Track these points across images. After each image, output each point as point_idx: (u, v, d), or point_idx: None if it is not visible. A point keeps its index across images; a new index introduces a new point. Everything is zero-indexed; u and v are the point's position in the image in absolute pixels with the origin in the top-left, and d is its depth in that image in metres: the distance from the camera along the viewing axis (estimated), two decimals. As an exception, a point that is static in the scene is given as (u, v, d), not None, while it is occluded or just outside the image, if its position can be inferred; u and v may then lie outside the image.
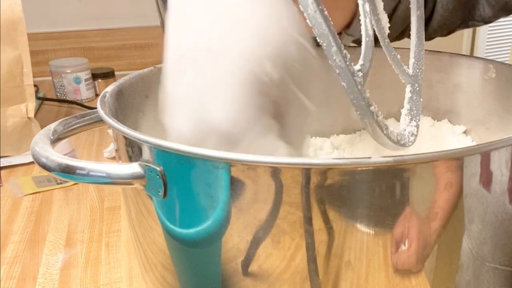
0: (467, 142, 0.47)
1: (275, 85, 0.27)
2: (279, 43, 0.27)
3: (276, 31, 0.27)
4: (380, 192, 0.27)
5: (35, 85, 0.91)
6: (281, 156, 0.26)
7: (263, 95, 0.27)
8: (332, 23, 0.25)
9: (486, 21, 0.53)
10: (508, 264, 0.32)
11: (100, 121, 0.39)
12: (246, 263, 0.30)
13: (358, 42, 0.47)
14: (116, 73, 1.13)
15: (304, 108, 0.29)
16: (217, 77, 0.27)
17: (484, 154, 0.28)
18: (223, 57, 0.27)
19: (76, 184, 0.68)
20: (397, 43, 0.43)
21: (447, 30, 0.54)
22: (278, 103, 0.28)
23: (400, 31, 0.52)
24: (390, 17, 0.51)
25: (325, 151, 0.49)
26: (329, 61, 0.26)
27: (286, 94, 0.28)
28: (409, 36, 0.37)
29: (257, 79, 0.27)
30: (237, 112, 0.27)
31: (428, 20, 0.53)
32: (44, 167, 0.32)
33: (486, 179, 0.28)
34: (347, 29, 0.52)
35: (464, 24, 0.53)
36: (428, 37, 0.54)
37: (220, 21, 0.28)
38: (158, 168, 0.29)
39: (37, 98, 0.99)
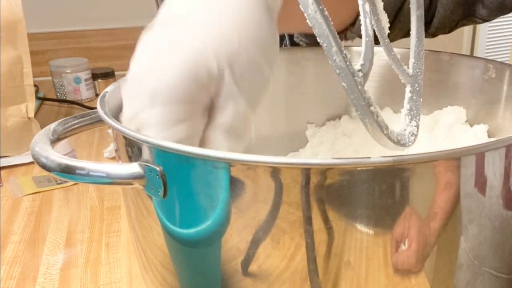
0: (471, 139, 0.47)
1: (213, 79, 0.30)
2: (232, 49, 0.31)
3: (234, 39, 0.31)
4: (380, 192, 0.27)
5: (35, 85, 0.91)
6: (280, 157, 0.26)
7: (200, 84, 0.30)
8: (332, 23, 0.25)
9: (485, 19, 0.53)
10: (504, 272, 0.32)
11: (100, 121, 0.39)
12: (246, 263, 0.30)
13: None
14: (116, 73, 1.13)
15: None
16: (167, 61, 0.31)
17: (483, 154, 0.28)
18: (178, 46, 0.31)
19: (76, 184, 0.68)
20: (396, 43, 0.43)
21: (449, 27, 0.54)
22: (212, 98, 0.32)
23: (406, 30, 0.52)
24: (396, 15, 0.51)
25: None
26: (329, 61, 0.26)
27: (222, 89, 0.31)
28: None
29: (199, 67, 0.30)
30: (174, 83, 0.30)
31: (430, 20, 0.53)
32: (44, 167, 0.32)
33: (484, 179, 0.28)
34: (352, 27, 0.52)
35: (465, 20, 0.54)
36: (432, 35, 0.55)
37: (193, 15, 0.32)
38: (157, 168, 0.29)
39: (37, 98, 0.99)
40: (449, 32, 0.55)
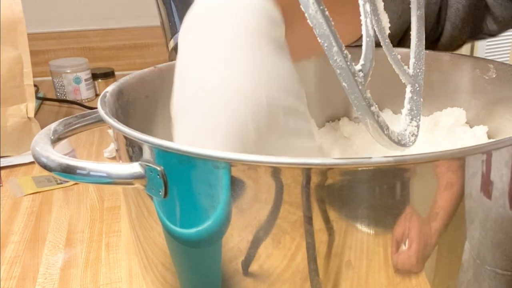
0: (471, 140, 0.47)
1: (253, 142, 0.31)
2: (262, 105, 0.31)
3: (262, 93, 0.31)
4: (381, 192, 0.27)
5: (35, 85, 0.91)
6: (280, 156, 0.26)
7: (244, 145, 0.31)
8: (333, 23, 0.25)
9: (494, 34, 0.53)
10: (508, 269, 0.32)
11: (100, 121, 0.39)
12: (247, 263, 0.30)
13: None
14: (116, 73, 1.13)
15: None
16: (209, 125, 0.31)
17: (485, 154, 0.28)
18: (215, 114, 0.31)
19: (76, 184, 0.68)
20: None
21: (456, 44, 0.54)
22: None
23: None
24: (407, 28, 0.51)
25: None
26: (330, 61, 0.26)
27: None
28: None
29: (240, 136, 0.30)
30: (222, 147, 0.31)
31: (438, 38, 0.54)
32: (45, 167, 0.32)
33: (487, 179, 0.28)
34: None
35: (472, 38, 0.54)
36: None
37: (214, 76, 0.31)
38: (158, 168, 0.29)
39: (37, 98, 0.99)
40: (455, 49, 0.56)
